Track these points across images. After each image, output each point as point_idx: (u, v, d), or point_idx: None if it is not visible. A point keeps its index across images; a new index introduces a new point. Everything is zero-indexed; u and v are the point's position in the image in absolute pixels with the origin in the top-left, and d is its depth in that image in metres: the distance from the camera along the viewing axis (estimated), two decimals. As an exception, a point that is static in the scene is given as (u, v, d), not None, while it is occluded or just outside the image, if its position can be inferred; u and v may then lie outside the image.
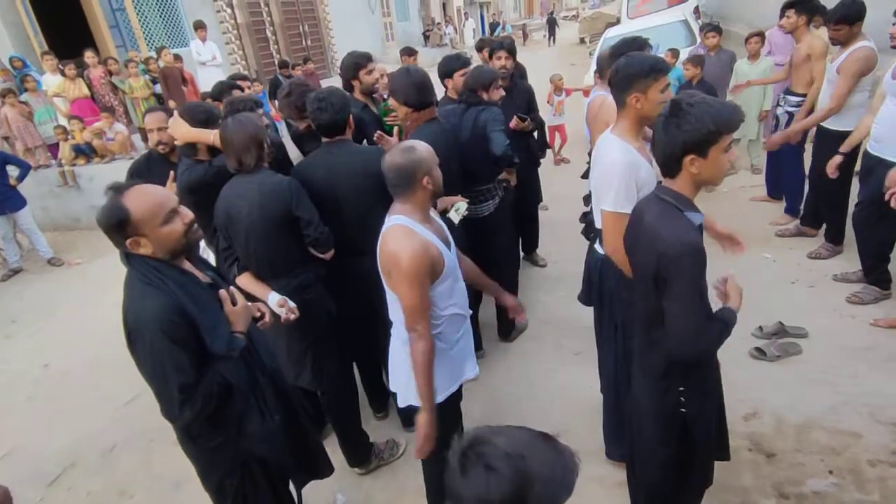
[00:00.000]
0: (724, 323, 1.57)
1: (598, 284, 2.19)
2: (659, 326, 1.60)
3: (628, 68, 1.85)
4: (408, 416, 2.87)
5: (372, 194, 2.30)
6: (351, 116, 2.40)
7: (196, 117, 2.49)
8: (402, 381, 1.99)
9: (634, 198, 1.87)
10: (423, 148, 1.81)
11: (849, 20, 3.32)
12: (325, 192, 2.36)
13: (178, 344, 1.49)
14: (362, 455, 2.67)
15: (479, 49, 4.83)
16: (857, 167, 3.56)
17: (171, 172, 2.72)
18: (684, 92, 1.67)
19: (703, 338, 1.53)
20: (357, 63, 3.11)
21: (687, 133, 1.44)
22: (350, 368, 2.69)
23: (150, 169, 2.77)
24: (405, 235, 1.75)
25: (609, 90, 2.01)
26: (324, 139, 2.41)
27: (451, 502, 0.90)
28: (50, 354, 4.22)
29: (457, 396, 2.06)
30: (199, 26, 8.55)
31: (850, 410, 2.61)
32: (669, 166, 1.54)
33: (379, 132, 2.79)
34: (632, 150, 1.88)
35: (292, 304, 2.21)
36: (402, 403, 2.02)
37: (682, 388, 1.66)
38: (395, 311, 1.90)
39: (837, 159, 3.42)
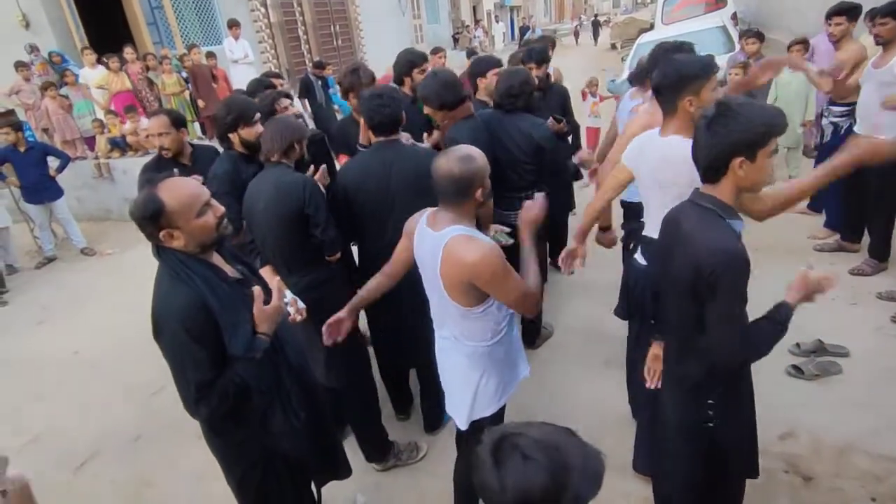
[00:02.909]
0: (776, 323, 1.49)
1: (639, 297, 2.12)
2: (694, 336, 1.54)
3: (680, 71, 1.79)
4: (431, 421, 2.85)
5: (425, 196, 2.26)
6: (404, 114, 2.38)
7: (232, 110, 2.54)
8: (464, 401, 1.89)
9: None
10: (480, 157, 1.70)
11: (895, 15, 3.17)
12: (379, 192, 2.32)
13: (198, 341, 1.49)
14: (380, 452, 2.65)
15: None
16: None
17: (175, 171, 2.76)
18: (726, 95, 1.62)
19: (748, 344, 1.48)
20: (412, 61, 3.15)
21: (737, 133, 1.39)
22: (368, 367, 2.66)
23: (159, 170, 2.75)
24: (476, 240, 1.66)
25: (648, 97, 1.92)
26: (378, 138, 2.36)
27: (487, 498, 0.89)
28: (80, 342, 4.31)
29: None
30: (233, 24, 8.69)
31: (893, 435, 2.48)
32: (714, 169, 1.48)
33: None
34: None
35: (301, 305, 2.20)
36: (463, 425, 1.93)
37: (710, 402, 1.60)
38: (457, 326, 1.81)
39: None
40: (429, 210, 1.83)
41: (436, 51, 5.47)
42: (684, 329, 1.61)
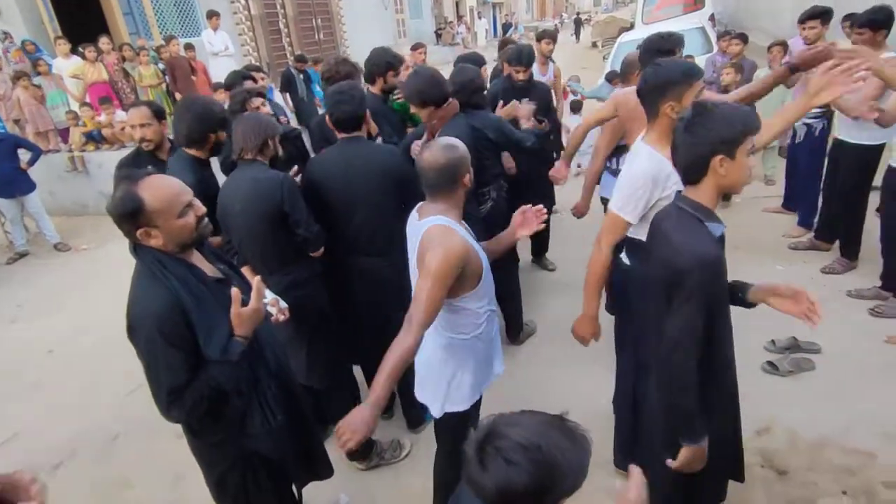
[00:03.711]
0: (695, 418, 1.55)
1: (622, 297, 2.15)
2: None
3: (660, 76, 1.81)
4: (413, 418, 2.86)
5: (387, 193, 2.29)
6: (368, 113, 2.37)
7: (195, 117, 2.43)
8: (437, 393, 1.91)
9: (642, 211, 1.90)
10: (461, 145, 1.77)
11: (874, 25, 3.26)
12: (342, 189, 2.33)
13: (173, 344, 1.46)
14: (362, 451, 2.64)
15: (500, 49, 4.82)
16: (877, 181, 3.52)
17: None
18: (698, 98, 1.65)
19: (691, 356, 1.50)
20: (390, 64, 3.11)
21: (716, 132, 1.42)
22: (349, 366, 2.66)
23: (138, 166, 2.64)
24: (447, 233, 1.70)
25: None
26: (340, 135, 2.38)
27: (473, 491, 0.94)
28: (54, 340, 4.21)
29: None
30: (212, 15, 8.52)
31: (864, 429, 2.56)
32: (694, 170, 1.50)
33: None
34: (664, 160, 1.84)
35: (284, 305, 2.18)
36: (437, 413, 1.95)
37: None
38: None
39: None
40: (420, 203, 1.87)
41: (416, 46, 5.39)
42: (660, 329, 1.61)
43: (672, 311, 1.50)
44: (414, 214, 1.86)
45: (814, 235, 4.24)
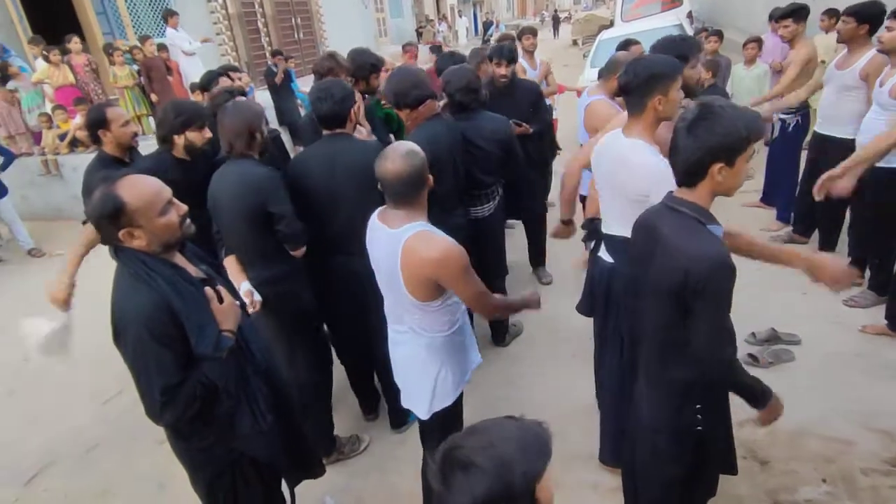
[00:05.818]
0: (749, 383, 1.55)
1: (604, 294, 2.15)
2: (675, 342, 1.53)
3: (650, 69, 1.80)
4: (396, 418, 2.85)
5: (369, 191, 2.26)
6: (353, 111, 2.35)
7: (181, 112, 2.47)
8: (423, 394, 1.90)
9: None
10: (418, 149, 1.76)
11: (858, 17, 3.24)
12: (323, 186, 2.31)
13: (163, 344, 1.44)
14: (326, 448, 2.66)
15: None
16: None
17: None
18: (705, 96, 1.62)
19: (729, 353, 1.48)
20: (375, 66, 3.06)
21: (719, 137, 1.36)
22: (328, 366, 2.65)
23: (105, 168, 2.63)
24: (436, 237, 1.70)
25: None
26: (324, 131, 2.37)
27: None
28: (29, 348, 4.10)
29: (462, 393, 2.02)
30: (171, 14, 8.19)
31: (842, 418, 2.61)
32: (692, 173, 1.44)
33: None
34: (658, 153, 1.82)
35: (257, 298, 2.20)
36: (424, 415, 1.94)
37: (698, 406, 1.59)
38: (414, 320, 1.82)
39: (836, 175, 2.71)
40: (380, 209, 1.85)
41: (405, 48, 5.19)
42: (666, 333, 1.59)
43: (696, 319, 1.44)
44: (375, 221, 1.82)
45: (791, 229, 4.31)
